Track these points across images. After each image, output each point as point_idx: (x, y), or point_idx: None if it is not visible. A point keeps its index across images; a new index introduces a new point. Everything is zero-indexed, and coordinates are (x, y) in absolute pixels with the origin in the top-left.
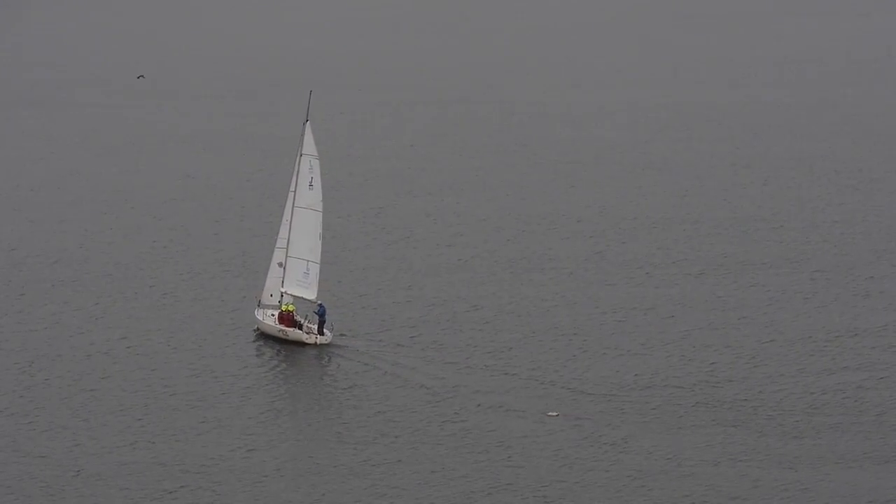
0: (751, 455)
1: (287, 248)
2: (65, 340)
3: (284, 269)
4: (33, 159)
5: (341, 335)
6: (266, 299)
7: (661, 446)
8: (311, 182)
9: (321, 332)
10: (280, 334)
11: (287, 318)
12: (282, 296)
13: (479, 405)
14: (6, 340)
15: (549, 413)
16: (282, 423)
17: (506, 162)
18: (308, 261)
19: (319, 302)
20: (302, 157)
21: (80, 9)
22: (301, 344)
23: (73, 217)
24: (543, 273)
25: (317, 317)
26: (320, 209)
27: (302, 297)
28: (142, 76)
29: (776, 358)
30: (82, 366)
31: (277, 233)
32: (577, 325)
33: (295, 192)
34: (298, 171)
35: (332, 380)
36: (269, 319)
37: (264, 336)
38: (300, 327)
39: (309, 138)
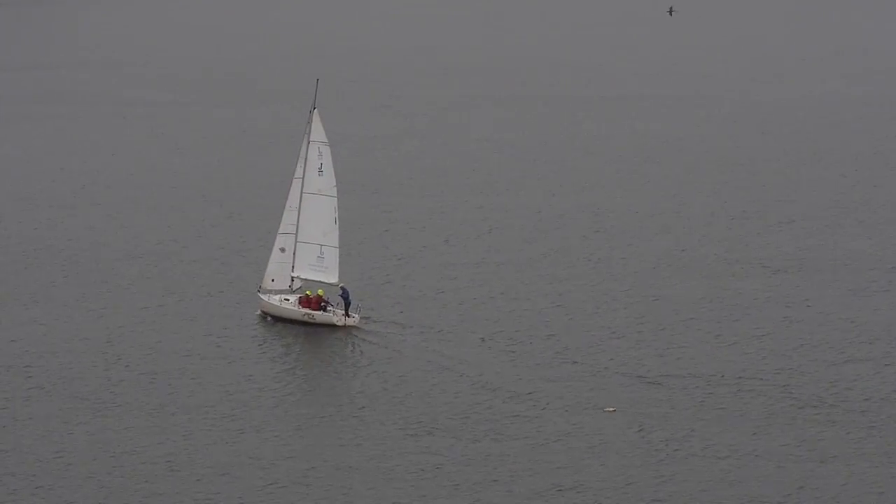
0: (837, 451)
1: (296, 234)
2: (141, 337)
3: (294, 254)
4: (107, 155)
5: (367, 318)
6: (267, 284)
7: (745, 442)
8: (320, 168)
9: (347, 315)
10: (306, 318)
11: (315, 302)
12: (292, 280)
13: (546, 401)
14: (88, 336)
15: (607, 409)
16: (356, 418)
17: (563, 156)
18: (321, 245)
19: (342, 285)
20: (310, 144)
21: (147, 7)
22: (331, 326)
23: (148, 212)
24: (615, 267)
25: (342, 300)
26: (334, 194)
27: (319, 281)
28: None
29: (858, 353)
30: (158, 363)
31: (280, 219)
32: (653, 319)
33: (302, 178)
34: (306, 158)
35: (378, 372)
36: (286, 304)
37: (283, 320)
38: (325, 310)
39: (317, 125)
